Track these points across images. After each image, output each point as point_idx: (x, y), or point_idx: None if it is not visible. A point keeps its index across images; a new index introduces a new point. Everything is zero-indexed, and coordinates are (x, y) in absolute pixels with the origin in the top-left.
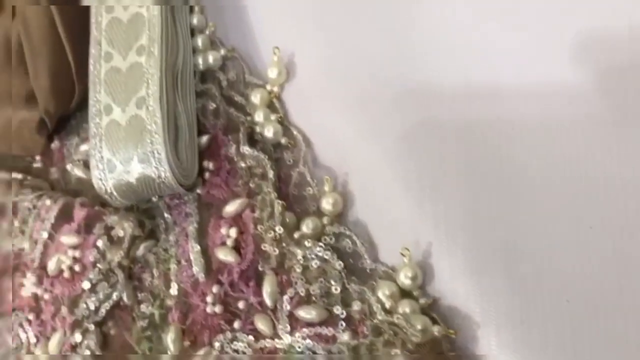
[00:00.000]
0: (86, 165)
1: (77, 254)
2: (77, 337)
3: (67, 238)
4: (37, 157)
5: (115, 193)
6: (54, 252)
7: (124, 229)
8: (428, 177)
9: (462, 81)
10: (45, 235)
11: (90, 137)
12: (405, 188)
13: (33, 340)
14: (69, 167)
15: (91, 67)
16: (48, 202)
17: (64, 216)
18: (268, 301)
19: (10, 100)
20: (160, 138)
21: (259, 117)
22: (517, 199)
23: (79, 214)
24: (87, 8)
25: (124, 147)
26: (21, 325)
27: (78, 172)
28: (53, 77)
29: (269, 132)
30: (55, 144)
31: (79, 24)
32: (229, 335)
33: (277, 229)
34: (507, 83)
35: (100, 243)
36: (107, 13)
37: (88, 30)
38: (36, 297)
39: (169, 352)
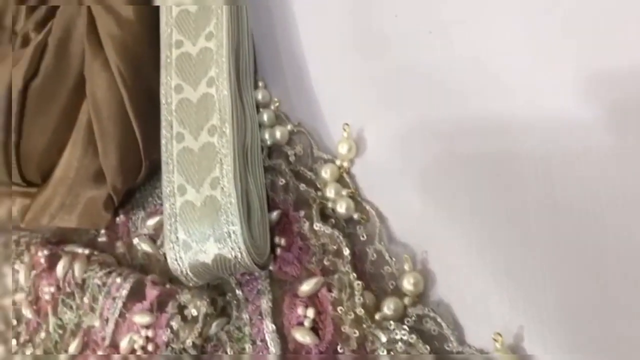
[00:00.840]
0: (153, 239)
1: (149, 333)
2: None
3: (140, 317)
4: (102, 231)
5: (190, 274)
6: (126, 330)
7: (198, 307)
8: (513, 255)
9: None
10: (116, 313)
11: (165, 218)
12: (489, 267)
13: None
14: (135, 241)
15: (163, 148)
16: (118, 280)
17: (135, 294)
18: None
19: (81, 179)
20: (236, 219)
21: (330, 192)
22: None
23: (151, 292)
24: (155, 88)
25: (200, 228)
26: None
27: (145, 247)
28: (121, 155)
29: (341, 208)
30: (120, 218)
31: (146, 102)
32: None
33: (357, 310)
34: None
35: (173, 322)
36: (176, 94)
37: (155, 108)
38: None
39: None
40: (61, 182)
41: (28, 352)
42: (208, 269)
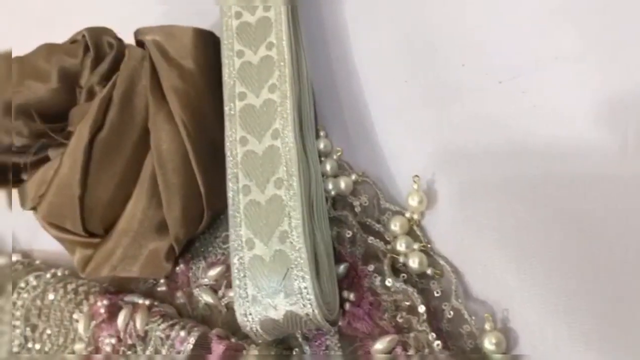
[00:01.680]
0: (214, 290)
1: None
2: None
3: None
4: (162, 280)
5: (260, 330)
6: None
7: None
8: (603, 315)
9: None
10: None
11: (233, 273)
12: (576, 328)
13: None
14: (195, 292)
15: (230, 201)
16: (182, 333)
17: (200, 348)
18: None
19: (145, 231)
20: (307, 275)
21: (400, 246)
22: None
23: (218, 347)
24: (217, 140)
25: (269, 283)
26: None
27: (206, 298)
28: (184, 206)
29: (413, 263)
30: (180, 268)
31: (208, 154)
32: None
33: None
34: None
35: None
36: (241, 146)
37: (217, 160)
38: None
39: None
40: (124, 234)
41: None
42: (278, 325)
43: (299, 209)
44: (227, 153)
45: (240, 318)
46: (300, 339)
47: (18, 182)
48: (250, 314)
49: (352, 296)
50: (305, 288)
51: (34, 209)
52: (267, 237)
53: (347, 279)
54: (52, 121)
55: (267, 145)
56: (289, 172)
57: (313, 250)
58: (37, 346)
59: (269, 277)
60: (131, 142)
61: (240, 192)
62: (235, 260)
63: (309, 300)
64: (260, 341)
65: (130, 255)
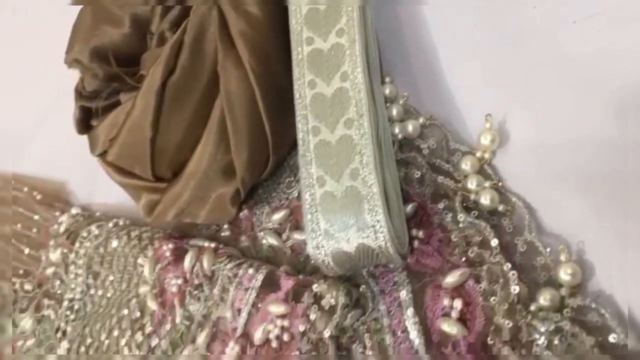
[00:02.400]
0: (278, 233)
1: (285, 322)
2: None
3: (275, 307)
4: (225, 226)
5: (332, 262)
6: (260, 321)
7: (335, 297)
8: None
9: None
10: (249, 304)
11: (305, 209)
12: None
13: None
14: (259, 235)
15: (300, 142)
16: (251, 271)
17: (269, 285)
18: None
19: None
20: (379, 208)
21: (471, 184)
22: None
23: (287, 283)
24: (284, 84)
25: (341, 217)
26: None
27: (271, 240)
28: (251, 150)
29: (485, 200)
30: (244, 213)
31: (275, 98)
32: None
33: (511, 301)
34: None
35: (311, 312)
36: (310, 89)
37: (283, 104)
38: None
39: None
40: (193, 176)
41: (153, 343)
42: (350, 258)
43: (370, 147)
44: (296, 95)
45: (312, 251)
46: (366, 277)
47: (87, 128)
48: (323, 247)
49: (420, 234)
50: (378, 221)
51: (103, 154)
52: (337, 175)
53: (415, 218)
54: (124, 66)
55: (336, 88)
56: (359, 112)
57: (384, 186)
58: (100, 292)
59: (341, 211)
60: (201, 86)
61: (310, 132)
62: (306, 197)
63: (382, 232)
64: (330, 274)
65: (197, 198)
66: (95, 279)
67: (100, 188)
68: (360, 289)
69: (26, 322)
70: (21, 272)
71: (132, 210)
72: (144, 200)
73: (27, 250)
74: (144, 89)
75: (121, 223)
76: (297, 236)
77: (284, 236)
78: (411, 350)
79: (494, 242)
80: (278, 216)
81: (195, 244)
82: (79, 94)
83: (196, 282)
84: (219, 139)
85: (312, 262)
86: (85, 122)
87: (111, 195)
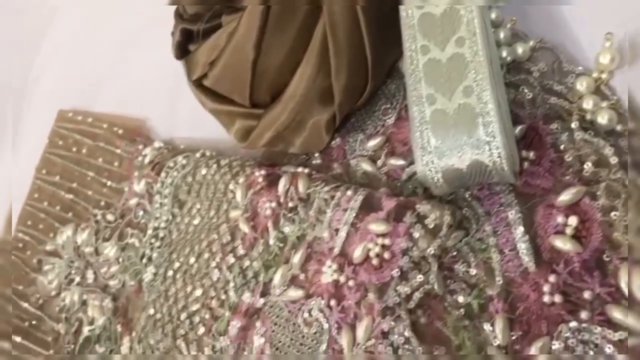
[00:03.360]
0: (372, 160)
1: (386, 241)
2: (388, 323)
3: (376, 226)
4: (316, 154)
5: (441, 180)
6: (359, 240)
7: (440, 217)
8: None
9: None
10: (348, 223)
11: (414, 126)
12: None
13: (334, 326)
14: (353, 162)
15: (408, 60)
16: (349, 192)
17: (368, 206)
18: (626, 291)
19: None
20: (495, 124)
21: (587, 104)
22: None
23: (389, 202)
24: (389, 10)
25: (454, 134)
26: (321, 311)
27: (365, 167)
28: (351, 75)
29: (602, 119)
30: (336, 142)
31: (378, 23)
32: (574, 325)
33: (631, 216)
34: None
35: (414, 231)
36: (418, 9)
37: (386, 32)
38: (337, 284)
39: (496, 342)
40: (292, 100)
41: (245, 264)
42: (460, 176)
43: (484, 64)
44: (403, 15)
45: (421, 169)
46: (470, 200)
47: (185, 53)
48: (433, 164)
49: (531, 155)
50: (493, 137)
51: (201, 78)
52: (449, 93)
53: (525, 140)
54: None
55: (445, 8)
56: (471, 30)
57: (498, 103)
58: (186, 220)
59: (453, 128)
60: (304, 8)
61: (419, 51)
62: (415, 115)
63: (497, 148)
64: (437, 192)
65: (295, 123)
66: (181, 208)
67: (180, 125)
68: (464, 212)
69: (110, 250)
70: (103, 204)
71: (214, 144)
72: (237, 126)
73: (109, 183)
74: (249, 10)
75: (208, 154)
76: (393, 162)
77: (379, 163)
78: (519, 267)
79: (613, 159)
80: (373, 143)
81: (287, 170)
82: (180, 17)
83: (290, 205)
84: (319, 62)
85: (414, 183)
86: (184, 47)
87: (192, 131)
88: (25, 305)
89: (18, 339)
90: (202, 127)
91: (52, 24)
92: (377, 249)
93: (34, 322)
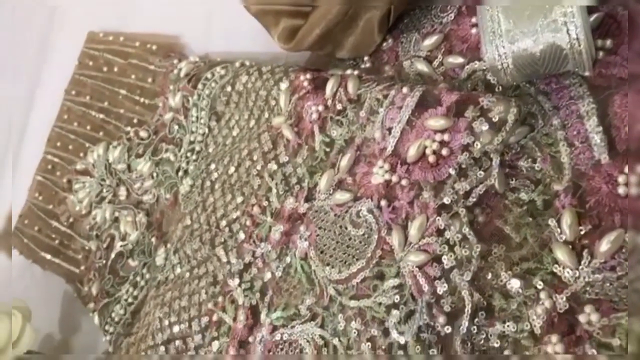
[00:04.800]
0: (428, 60)
1: (445, 137)
2: (444, 221)
3: (434, 122)
4: (365, 59)
5: (512, 66)
6: (415, 137)
7: (506, 111)
8: None
9: None
10: (403, 121)
11: (483, 10)
12: None
13: (384, 226)
14: (406, 63)
15: None
16: (405, 89)
17: (426, 102)
18: None
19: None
20: (574, 5)
21: None
22: None
23: (449, 97)
24: None
25: (529, 17)
26: (371, 212)
27: (420, 67)
28: None
29: None
30: (387, 44)
31: None
32: None
33: None
34: None
35: (476, 125)
36: None
37: None
38: (388, 184)
39: (562, 237)
40: None
41: (288, 171)
42: (533, 61)
43: None
44: None
45: (490, 54)
46: (535, 95)
47: None
48: (504, 49)
49: (608, 43)
50: (572, 19)
51: None
52: None
53: (601, 29)
54: None
55: None
56: None
57: None
58: (224, 132)
59: (529, 11)
60: None
61: None
62: None
63: (575, 29)
64: (504, 82)
65: (347, 18)
66: (218, 121)
67: (215, 41)
68: (528, 107)
69: (143, 165)
70: (135, 121)
71: (253, 57)
72: (282, 26)
73: (142, 100)
74: None
75: (248, 63)
76: (451, 60)
77: (436, 62)
78: (591, 159)
79: None
80: (429, 42)
81: (335, 73)
82: None
83: (338, 107)
84: None
85: (473, 81)
86: None
87: (228, 47)
88: (55, 224)
89: (48, 256)
90: (238, 44)
91: None
92: (434, 146)
93: (64, 241)
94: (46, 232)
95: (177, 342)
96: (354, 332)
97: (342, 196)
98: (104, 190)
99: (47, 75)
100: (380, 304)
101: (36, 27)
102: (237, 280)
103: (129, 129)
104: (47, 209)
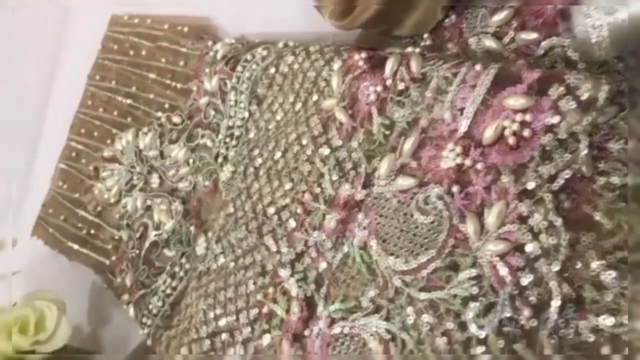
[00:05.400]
0: (497, 36)
1: (526, 117)
2: (527, 207)
3: (514, 101)
4: (425, 36)
5: (607, 40)
6: (491, 118)
7: (595, 89)
8: None
9: None
10: (477, 101)
11: None
12: None
13: (456, 214)
14: (472, 40)
15: None
16: (478, 67)
17: (502, 80)
18: None
19: None
20: None
21: None
22: None
23: (531, 74)
24: None
25: None
26: (441, 198)
27: (489, 44)
28: None
29: None
30: (450, 20)
31: None
32: None
33: None
34: None
35: (563, 104)
36: None
37: None
38: (460, 169)
39: None
40: None
41: (342, 156)
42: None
43: None
44: None
45: (581, 27)
46: (624, 71)
47: None
48: (599, 20)
49: None
50: None
51: None
52: None
53: None
54: None
55: None
56: None
57: None
58: (266, 116)
59: None
60: None
61: None
62: None
63: None
64: (596, 56)
65: None
66: (260, 104)
67: (251, 22)
68: (617, 84)
69: (178, 152)
70: (167, 106)
71: (295, 37)
72: (335, 3)
73: (173, 84)
74: None
75: (292, 44)
76: (524, 36)
77: (506, 39)
78: None
79: None
80: (498, 17)
81: (394, 51)
82: None
83: (400, 87)
84: None
85: (551, 58)
86: None
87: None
88: (82, 213)
89: (75, 246)
90: (275, 25)
91: None
92: (514, 127)
93: (92, 231)
94: (72, 221)
95: (224, 336)
96: (426, 326)
97: (405, 182)
98: (135, 178)
99: (66, 60)
100: (455, 295)
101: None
102: (288, 271)
103: (159, 114)
104: (73, 198)
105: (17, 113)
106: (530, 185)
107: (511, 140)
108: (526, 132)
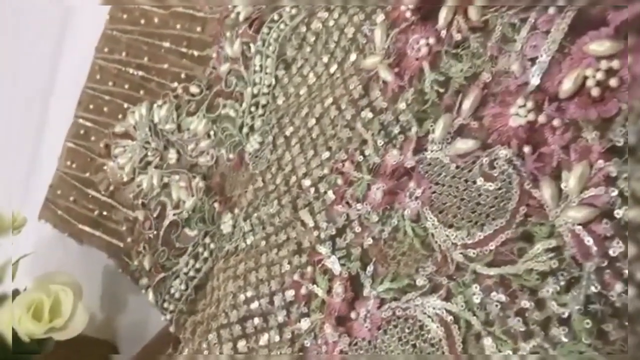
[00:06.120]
0: None
1: (613, 64)
2: (616, 167)
3: (597, 46)
4: None
5: None
6: (568, 67)
7: None
8: None
9: None
10: (552, 49)
11: None
12: None
13: (528, 178)
14: None
15: None
16: (551, 10)
17: (583, 23)
18: None
19: None
20: None
21: None
22: None
23: (618, 15)
24: None
25: None
26: (509, 161)
27: None
28: None
29: None
30: None
31: None
32: None
33: None
34: None
35: None
36: None
37: None
38: (532, 126)
39: None
40: None
41: (387, 119)
42: None
43: None
44: None
45: None
46: None
47: None
48: None
49: None
50: None
51: None
52: None
53: None
54: None
55: None
56: None
57: None
58: (296, 81)
59: None
60: None
61: None
62: None
63: None
64: None
65: None
66: (288, 69)
67: None
68: None
69: (197, 124)
70: (183, 76)
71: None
72: None
73: (189, 52)
74: None
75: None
76: None
77: None
78: None
79: None
80: None
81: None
82: None
83: (457, 38)
84: None
85: None
86: None
87: None
88: (93, 193)
89: (87, 228)
90: None
91: None
92: (598, 76)
93: (104, 212)
94: (82, 202)
95: (256, 320)
96: (496, 305)
97: (464, 145)
98: (149, 154)
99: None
100: (530, 270)
101: None
102: (329, 248)
103: (175, 85)
104: (83, 178)
105: (21, 99)
106: (619, 141)
107: (595, 92)
108: (613, 82)
